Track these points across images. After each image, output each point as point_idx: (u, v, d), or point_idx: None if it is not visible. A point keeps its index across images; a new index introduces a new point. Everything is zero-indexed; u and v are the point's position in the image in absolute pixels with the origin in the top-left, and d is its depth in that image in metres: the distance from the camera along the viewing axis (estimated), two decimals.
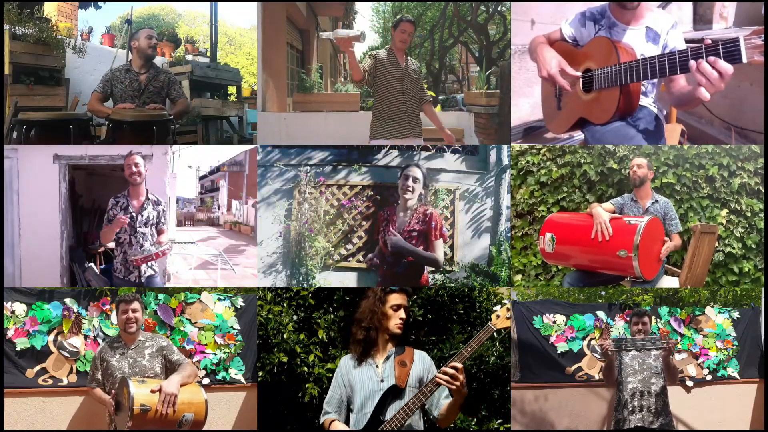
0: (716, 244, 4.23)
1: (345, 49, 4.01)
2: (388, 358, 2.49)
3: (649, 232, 3.34)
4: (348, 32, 3.91)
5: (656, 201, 3.73)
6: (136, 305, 3.15)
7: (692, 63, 2.68)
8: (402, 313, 2.51)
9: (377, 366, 2.48)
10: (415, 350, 2.57)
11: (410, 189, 3.58)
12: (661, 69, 2.88)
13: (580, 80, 3.35)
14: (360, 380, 2.47)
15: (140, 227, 3.77)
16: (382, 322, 2.50)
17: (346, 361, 2.57)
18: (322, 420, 2.54)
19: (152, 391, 2.88)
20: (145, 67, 4.57)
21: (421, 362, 2.53)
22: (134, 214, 3.76)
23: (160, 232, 3.88)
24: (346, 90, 8.51)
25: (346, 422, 2.48)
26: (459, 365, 2.31)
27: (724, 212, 4.55)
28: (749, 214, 4.52)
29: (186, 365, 3.13)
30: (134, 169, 3.73)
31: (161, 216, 3.87)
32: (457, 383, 2.29)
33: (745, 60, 2.57)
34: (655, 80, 3.26)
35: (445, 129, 4.51)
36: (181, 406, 2.93)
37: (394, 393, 2.43)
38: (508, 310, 2.48)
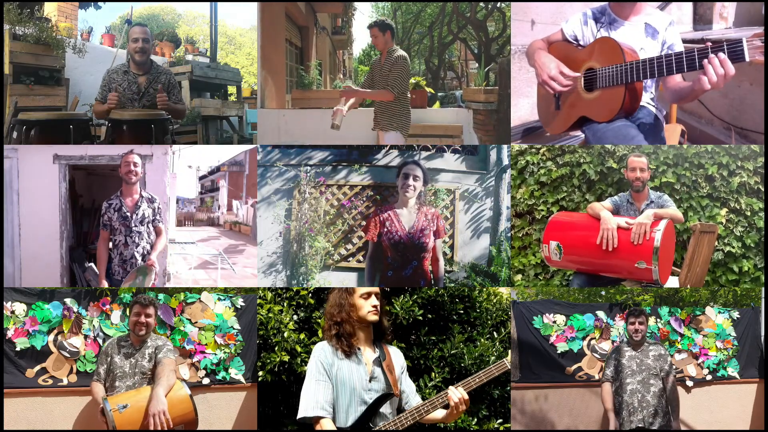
0: (716, 244, 4.23)
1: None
2: (376, 358, 2.40)
3: (665, 240, 3.28)
4: None
5: (651, 202, 3.59)
6: (151, 310, 3.14)
7: (705, 61, 2.79)
8: (374, 300, 2.40)
9: (365, 364, 2.37)
10: (389, 347, 2.50)
11: (412, 188, 3.58)
12: (668, 67, 2.97)
13: (582, 79, 3.38)
14: (349, 376, 2.33)
15: (135, 226, 3.76)
16: (351, 314, 2.38)
17: (324, 350, 2.38)
18: (313, 414, 2.27)
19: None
20: (141, 69, 4.49)
21: (398, 360, 2.50)
22: (128, 214, 3.75)
23: (157, 231, 3.87)
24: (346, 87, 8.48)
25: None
26: (466, 396, 2.33)
27: (724, 211, 4.54)
28: (749, 214, 4.52)
29: (164, 367, 3.06)
30: (131, 167, 3.72)
31: (157, 213, 3.85)
32: (459, 411, 2.32)
33: (747, 59, 2.67)
34: (655, 79, 3.31)
35: (371, 93, 4.70)
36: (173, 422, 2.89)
37: (385, 398, 2.35)
38: None
